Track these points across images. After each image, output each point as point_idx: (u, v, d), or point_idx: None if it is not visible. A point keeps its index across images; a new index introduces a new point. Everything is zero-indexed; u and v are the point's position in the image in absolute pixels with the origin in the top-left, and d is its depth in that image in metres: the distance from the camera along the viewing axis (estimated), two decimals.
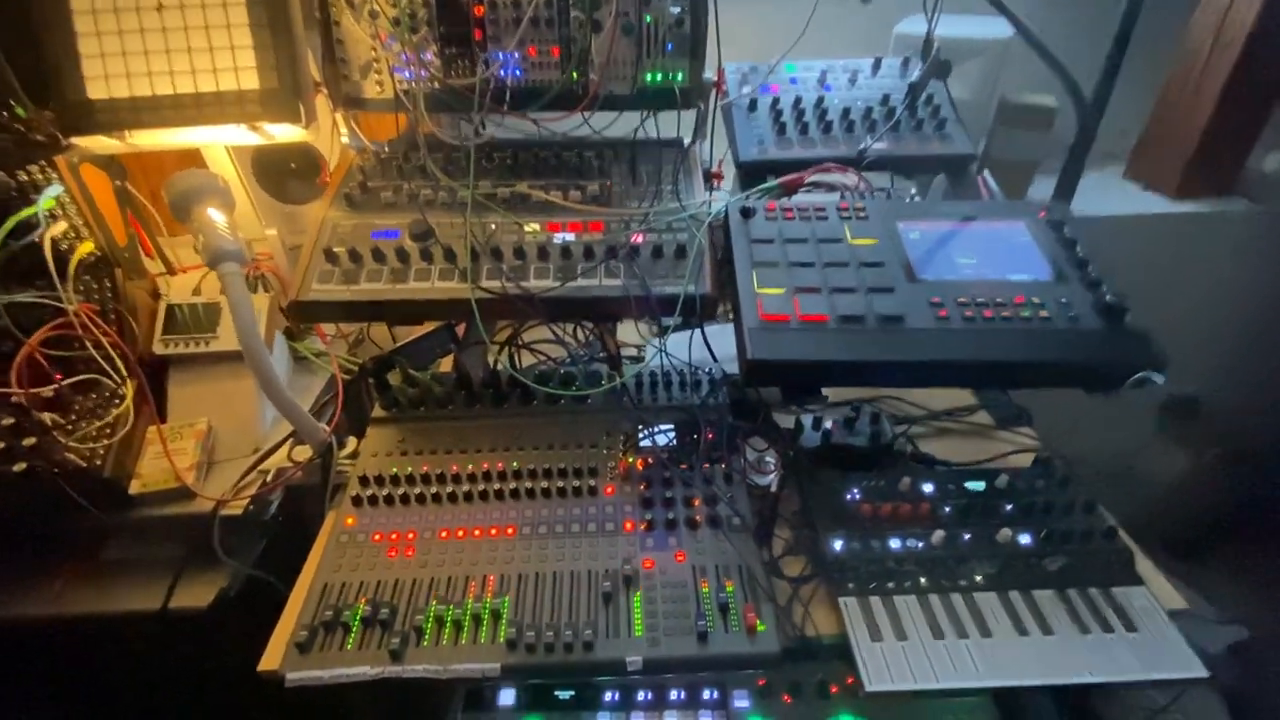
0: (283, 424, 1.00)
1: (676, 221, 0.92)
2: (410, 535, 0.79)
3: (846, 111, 1.09)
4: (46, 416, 0.82)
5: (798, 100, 1.11)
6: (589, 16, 0.92)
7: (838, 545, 0.78)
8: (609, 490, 0.84)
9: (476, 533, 0.79)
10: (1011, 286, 0.82)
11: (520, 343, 0.99)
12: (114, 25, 0.87)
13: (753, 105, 1.11)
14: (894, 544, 0.79)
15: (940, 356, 0.76)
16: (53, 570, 0.84)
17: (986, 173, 1.02)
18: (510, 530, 0.79)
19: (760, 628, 0.70)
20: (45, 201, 0.84)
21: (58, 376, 0.86)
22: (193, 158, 1.07)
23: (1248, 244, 1.43)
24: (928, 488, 0.86)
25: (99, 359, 0.87)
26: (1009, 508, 0.84)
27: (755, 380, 0.77)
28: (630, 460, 0.87)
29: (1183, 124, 1.43)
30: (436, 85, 0.93)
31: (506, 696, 0.85)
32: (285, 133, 0.93)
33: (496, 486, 0.84)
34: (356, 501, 0.83)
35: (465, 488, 0.83)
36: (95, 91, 0.88)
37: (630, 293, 0.84)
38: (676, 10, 0.95)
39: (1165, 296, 1.56)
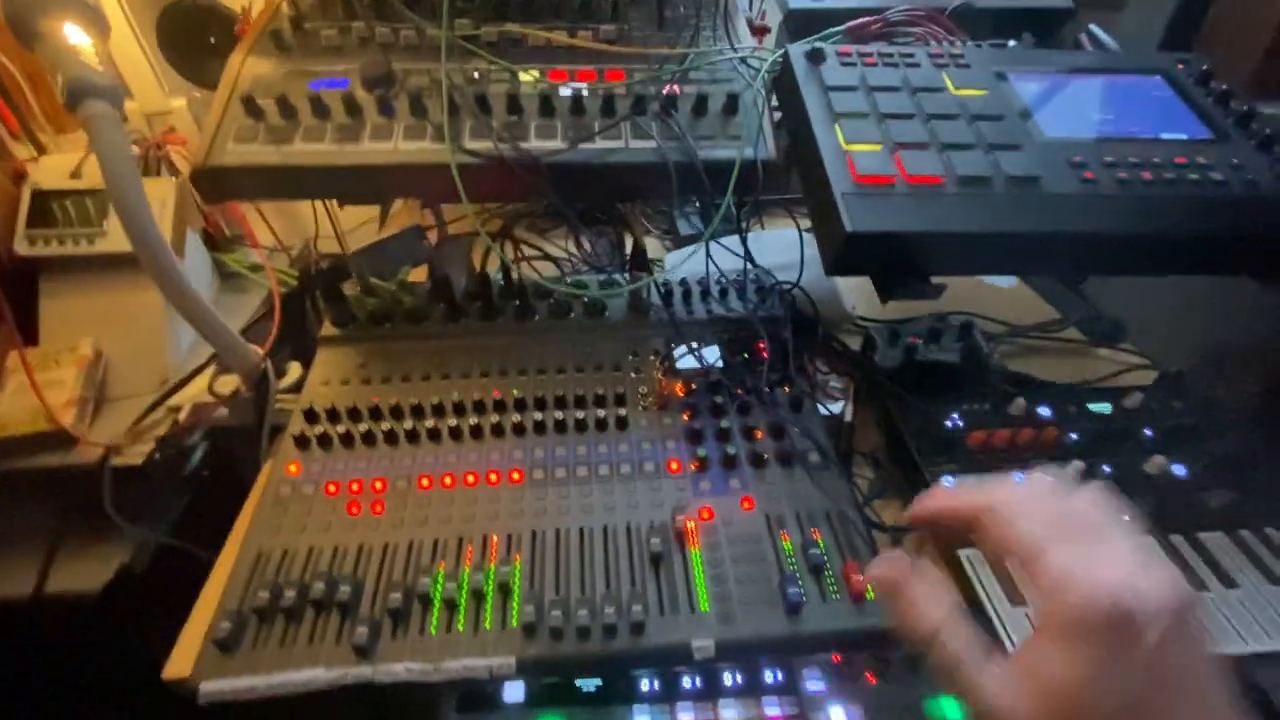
0: (203, 352, 0.77)
1: (720, 72, 0.70)
2: (378, 485, 0.58)
3: None
4: None
5: None
6: None
7: (948, 482, 0.60)
8: (643, 423, 0.64)
9: (470, 479, 0.58)
10: (1165, 146, 0.63)
11: (516, 237, 0.77)
12: None
13: None
14: (1018, 479, 0.61)
15: (1091, 228, 0.57)
16: None
17: (1093, 26, 0.82)
18: (516, 475, 0.59)
19: (870, 593, 0.51)
20: None
21: None
22: None
23: None
24: (1044, 411, 0.68)
25: None
26: (1148, 433, 0.66)
27: (850, 264, 0.57)
28: (668, 384, 0.66)
29: (1256, 12, 1.24)
30: None
31: (514, 692, 0.65)
32: None
33: (494, 420, 0.62)
34: (301, 443, 0.61)
35: (451, 422, 0.62)
36: None
37: (669, 157, 0.62)
38: None
39: None
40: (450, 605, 0.49)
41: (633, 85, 0.67)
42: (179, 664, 0.48)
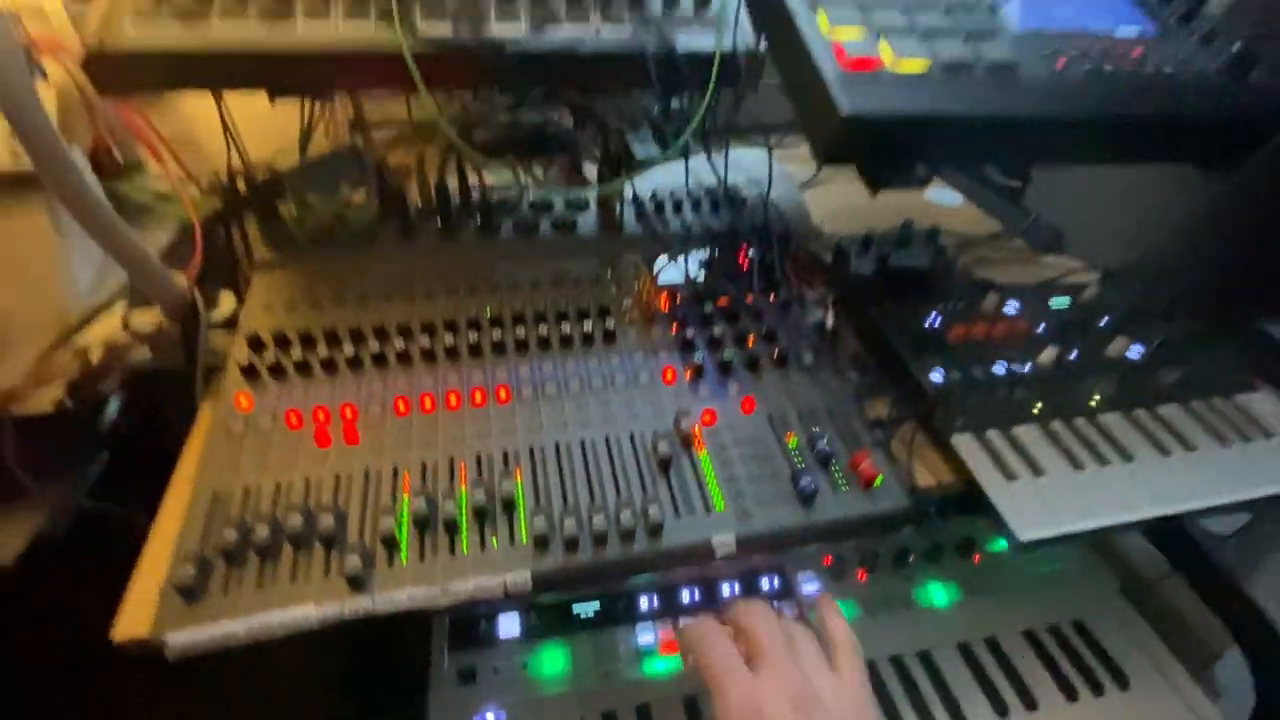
0: (111, 288, 0.66)
1: None
2: (347, 413, 0.52)
3: None
4: None
5: None
6: None
7: (938, 376, 0.61)
8: (630, 335, 0.61)
9: (452, 401, 0.53)
10: (1121, 41, 0.65)
11: (473, 139, 0.70)
12: None
13: None
14: (997, 368, 0.63)
15: (1067, 112, 0.58)
16: None
17: None
18: (503, 394, 0.54)
19: (879, 480, 0.51)
20: None
21: None
22: None
23: None
24: (1011, 307, 0.71)
25: None
26: (1104, 322, 0.70)
27: (844, 148, 0.56)
28: (654, 293, 0.63)
29: None
30: None
31: (509, 625, 0.62)
32: None
33: (470, 339, 0.57)
34: (250, 373, 0.53)
35: (422, 343, 0.56)
36: None
37: (645, 46, 0.58)
38: None
39: None
40: (451, 526, 0.45)
41: None
42: (131, 623, 0.42)
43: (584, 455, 0.50)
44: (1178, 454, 0.59)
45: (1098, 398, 0.63)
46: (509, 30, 0.56)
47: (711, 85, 0.58)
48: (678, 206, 0.74)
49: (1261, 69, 0.63)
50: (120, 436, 0.64)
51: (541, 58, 0.56)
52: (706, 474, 0.50)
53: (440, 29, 0.54)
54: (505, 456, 0.50)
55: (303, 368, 0.54)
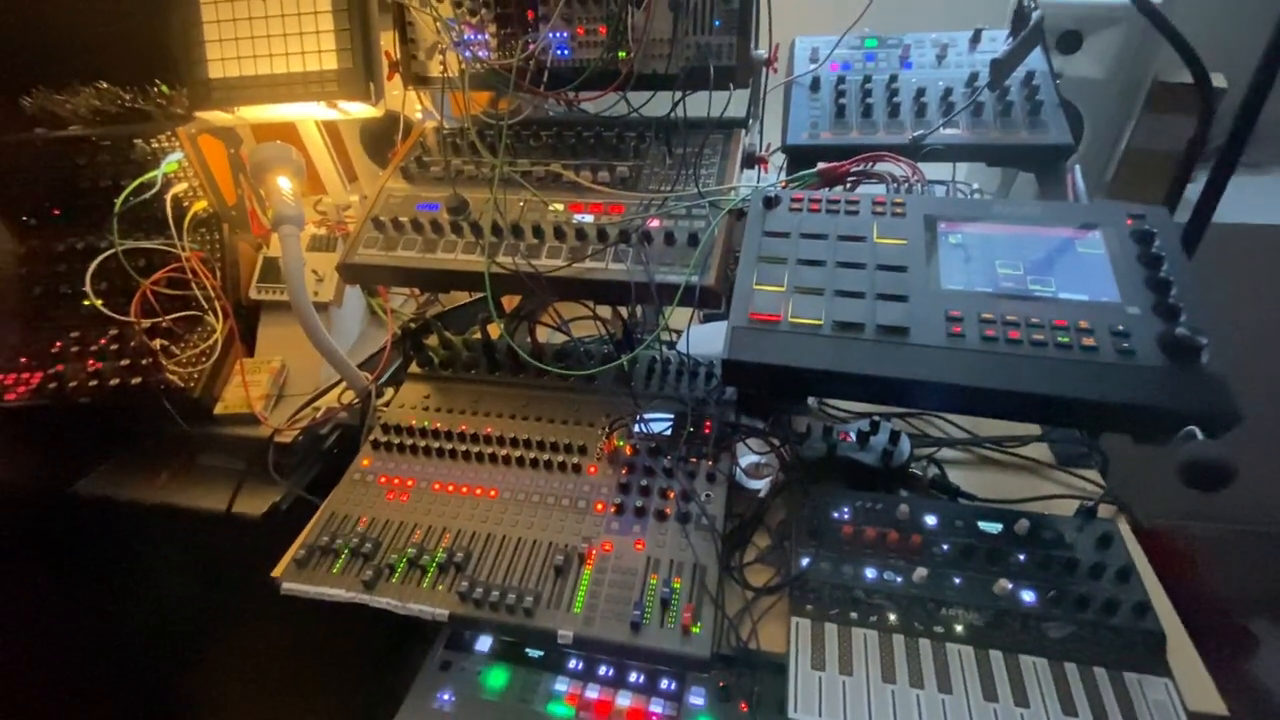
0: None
1: (698, 208, 0.89)
2: (409, 483, 0.87)
3: (920, 92, 0.98)
4: (157, 343, 1.01)
5: (866, 79, 1.01)
6: None
7: (805, 560, 0.74)
8: (592, 470, 0.86)
9: (464, 490, 0.85)
10: (1058, 306, 0.71)
11: (533, 318, 1.03)
12: (230, 13, 1.01)
13: (815, 85, 1.04)
14: (870, 572, 0.73)
15: (942, 378, 0.68)
16: (154, 466, 1.05)
17: (1077, 169, 0.87)
18: (493, 493, 0.85)
19: (695, 629, 0.69)
20: (168, 166, 1.02)
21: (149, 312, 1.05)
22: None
23: None
24: (930, 520, 0.78)
25: (202, 299, 1.04)
26: (1021, 558, 0.73)
27: (733, 381, 0.74)
28: (618, 444, 0.88)
29: None
30: (481, 66, 0.98)
31: (483, 644, 0.92)
32: (358, 109, 1.03)
33: (492, 450, 0.89)
34: (375, 445, 0.92)
35: (465, 447, 0.90)
36: (214, 72, 1.03)
37: (632, 278, 0.84)
38: None
39: None
40: (423, 570, 0.76)
41: (626, 218, 0.89)
42: (279, 568, 0.81)
43: (515, 548, 0.78)
44: (1003, 703, 0.63)
45: (960, 628, 0.69)
46: (551, 263, 0.87)
47: (673, 304, 0.81)
48: (679, 375, 0.97)
49: (1209, 354, 0.64)
50: (330, 455, 1.09)
51: (566, 282, 0.86)
52: (581, 585, 0.74)
53: (508, 260, 0.88)
54: (472, 535, 0.80)
55: (401, 449, 0.91)
